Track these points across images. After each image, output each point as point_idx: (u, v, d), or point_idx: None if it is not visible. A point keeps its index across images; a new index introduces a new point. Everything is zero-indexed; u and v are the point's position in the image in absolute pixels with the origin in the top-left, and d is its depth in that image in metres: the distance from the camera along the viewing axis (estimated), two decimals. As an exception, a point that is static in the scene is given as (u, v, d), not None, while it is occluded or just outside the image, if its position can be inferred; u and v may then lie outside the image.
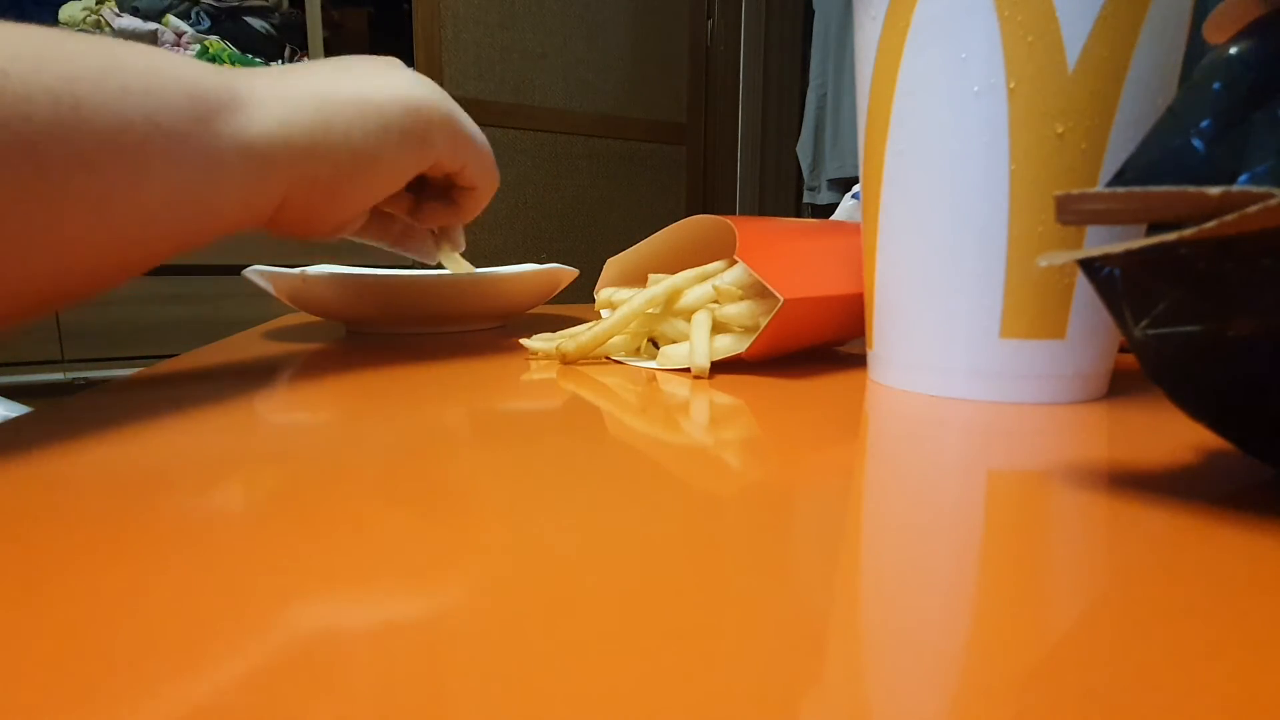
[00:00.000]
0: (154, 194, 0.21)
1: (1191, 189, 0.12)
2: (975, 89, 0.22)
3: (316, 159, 0.25)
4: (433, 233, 0.37)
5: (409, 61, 1.75)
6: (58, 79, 0.19)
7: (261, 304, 1.49)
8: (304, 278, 0.36)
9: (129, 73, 0.20)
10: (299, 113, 0.25)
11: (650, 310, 0.30)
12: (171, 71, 0.21)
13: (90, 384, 1.40)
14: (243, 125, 0.23)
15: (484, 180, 0.32)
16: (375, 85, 0.27)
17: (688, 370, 0.29)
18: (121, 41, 0.21)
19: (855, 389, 0.26)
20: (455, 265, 0.38)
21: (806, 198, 2.17)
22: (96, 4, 1.52)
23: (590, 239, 2.02)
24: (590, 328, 0.31)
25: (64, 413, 0.22)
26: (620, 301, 0.31)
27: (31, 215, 0.19)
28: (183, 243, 0.23)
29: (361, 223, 0.31)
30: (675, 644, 0.09)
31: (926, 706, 0.08)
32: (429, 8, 1.71)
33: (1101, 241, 0.23)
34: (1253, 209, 0.11)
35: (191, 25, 1.61)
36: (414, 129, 0.28)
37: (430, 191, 0.34)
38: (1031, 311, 0.23)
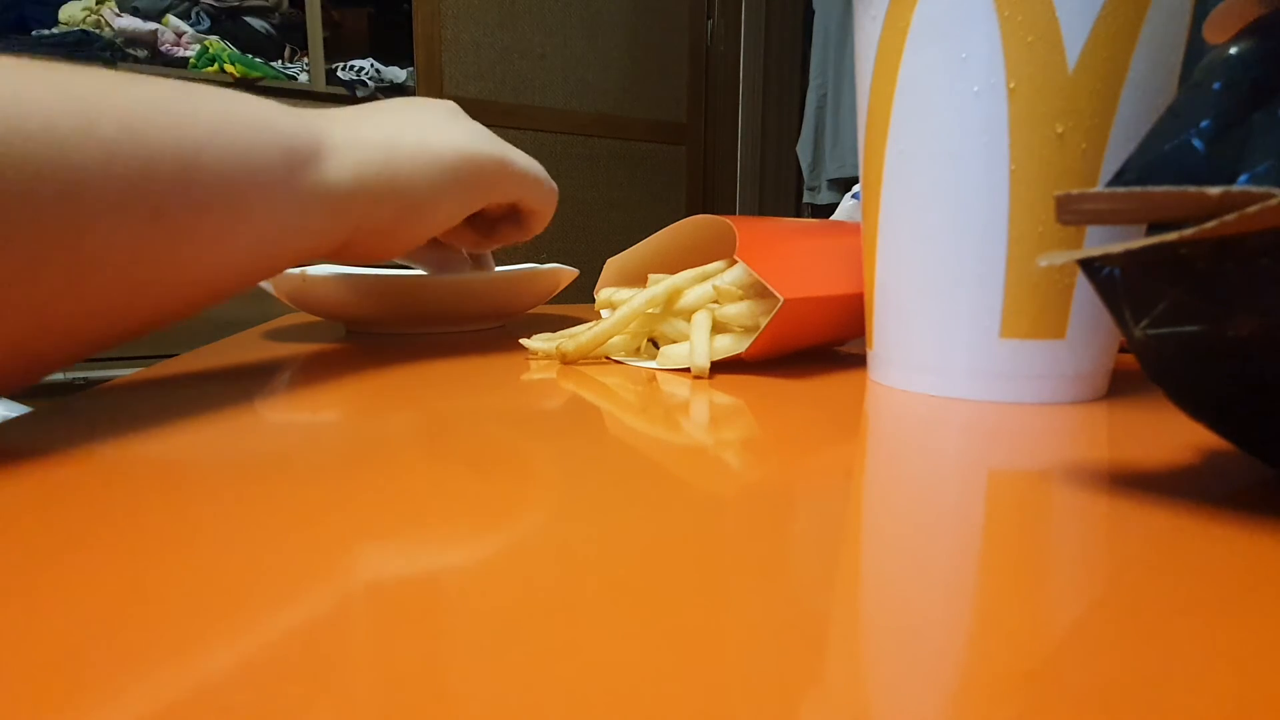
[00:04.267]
0: (250, 236, 0.24)
1: (1191, 189, 0.12)
2: (975, 89, 0.22)
3: (381, 204, 0.29)
4: (469, 258, 0.41)
5: (408, 62, 1.75)
6: (178, 138, 0.21)
7: (261, 304, 1.49)
8: (304, 278, 0.36)
9: (237, 129, 0.23)
10: (370, 162, 0.28)
11: (650, 310, 0.30)
12: (270, 125, 0.24)
13: (90, 384, 1.40)
14: (323, 174, 0.26)
15: (541, 204, 0.37)
16: (436, 136, 0.30)
17: (688, 370, 0.29)
18: (230, 94, 0.24)
19: (855, 389, 0.26)
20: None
21: (806, 198, 2.17)
22: (97, 4, 1.52)
23: (590, 239, 2.02)
24: (590, 328, 0.31)
25: (64, 413, 0.22)
26: (620, 301, 0.31)
27: (149, 257, 0.21)
28: (264, 274, 0.26)
29: (411, 252, 0.35)
30: (675, 643, 0.09)
31: (927, 706, 0.08)
32: (429, 8, 1.71)
33: (1101, 241, 0.23)
34: (1253, 209, 0.11)
35: (191, 25, 1.61)
36: (468, 177, 0.31)
37: (499, 216, 0.39)
38: (1031, 311, 0.23)
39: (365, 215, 0.28)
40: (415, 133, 0.30)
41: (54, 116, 0.18)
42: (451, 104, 0.33)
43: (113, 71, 0.21)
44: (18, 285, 0.18)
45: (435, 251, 0.39)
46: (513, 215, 0.38)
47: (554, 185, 0.37)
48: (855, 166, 1.99)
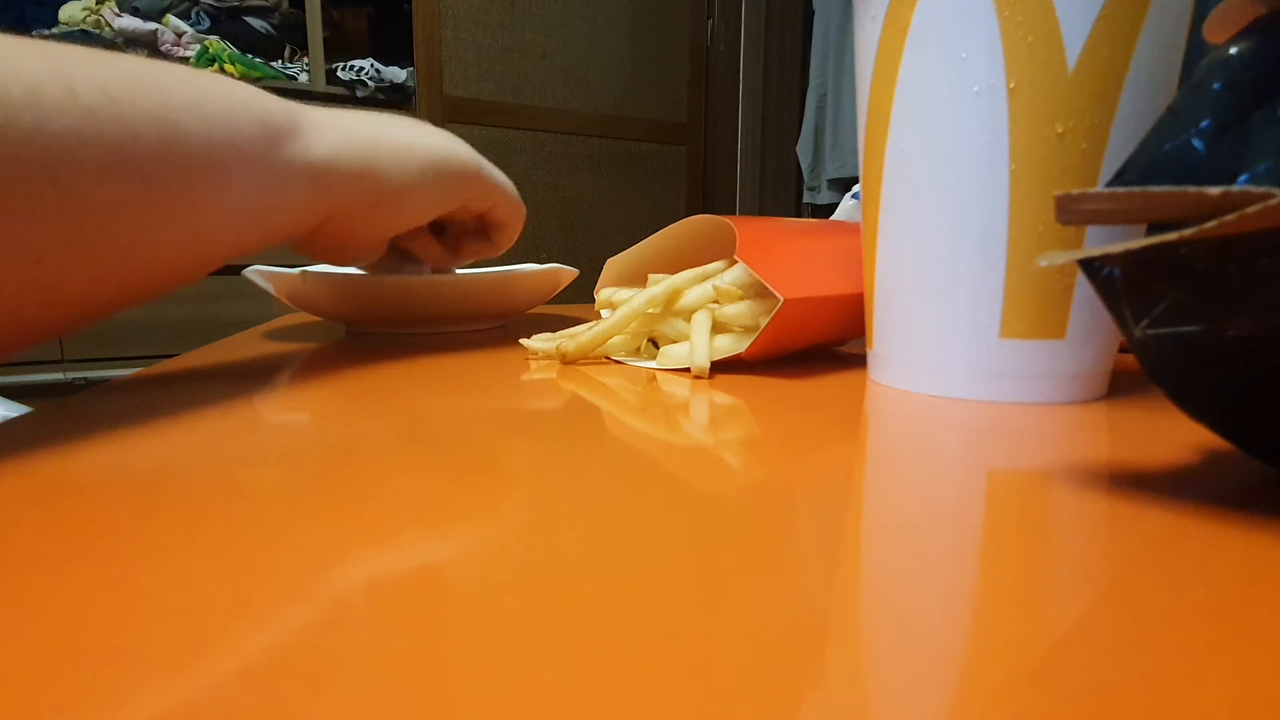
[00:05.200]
0: (231, 206, 0.24)
1: (1191, 189, 0.12)
2: (975, 89, 0.22)
3: (363, 185, 0.29)
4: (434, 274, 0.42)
5: (408, 62, 1.75)
6: (157, 105, 0.21)
7: (261, 304, 1.49)
8: (304, 277, 0.36)
9: (212, 100, 0.23)
10: (351, 145, 0.29)
11: (650, 310, 0.30)
12: (245, 100, 0.25)
13: (90, 384, 1.40)
14: (303, 148, 0.27)
15: (510, 216, 0.38)
16: (417, 136, 0.32)
17: (688, 370, 0.29)
18: (202, 72, 0.25)
19: (855, 389, 0.26)
20: None
21: (806, 198, 2.17)
22: (97, 4, 1.52)
23: (590, 239, 2.02)
24: (590, 328, 0.31)
25: (64, 413, 0.22)
26: (620, 301, 0.31)
27: (135, 223, 0.21)
28: (246, 249, 0.26)
29: (379, 255, 0.35)
30: (675, 644, 0.09)
31: (927, 706, 0.08)
32: (429, 8, 1.71)
33: (1101, 241, 0.23)
34: (1253, 209, 0.11)
35: (191, 25, 1.61)
36: (447, 175, 0.32)
37: (466, 231, 0.39)
38: (1031, 311, 0.23)
39: (345, 193, 0.29)
40: (396, 132, 0.31)
41: (37, 84, 0.19)
42: (424, 121, 0.35)
43: (86, 47, 0.21)
44: (10, 249, 0.19)
45: (400, 264, 0.39)
46: (480, 230, 0.39)
47: (522, 203, 0.38)
48: (855, 166, 1.99)
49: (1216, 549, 0.12)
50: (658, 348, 0.32)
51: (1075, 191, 0.14)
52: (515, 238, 0.40)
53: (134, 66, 0.22)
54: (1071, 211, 0.14)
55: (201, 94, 0.23)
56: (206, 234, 0.24)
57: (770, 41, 2.24)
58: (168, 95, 0.22)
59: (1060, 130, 0.22)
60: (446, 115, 1.74)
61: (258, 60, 1.65)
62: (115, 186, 0.20)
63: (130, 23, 1.53)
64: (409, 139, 0.31)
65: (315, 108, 0.29)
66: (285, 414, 0.22)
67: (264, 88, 0.26)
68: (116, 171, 0.20)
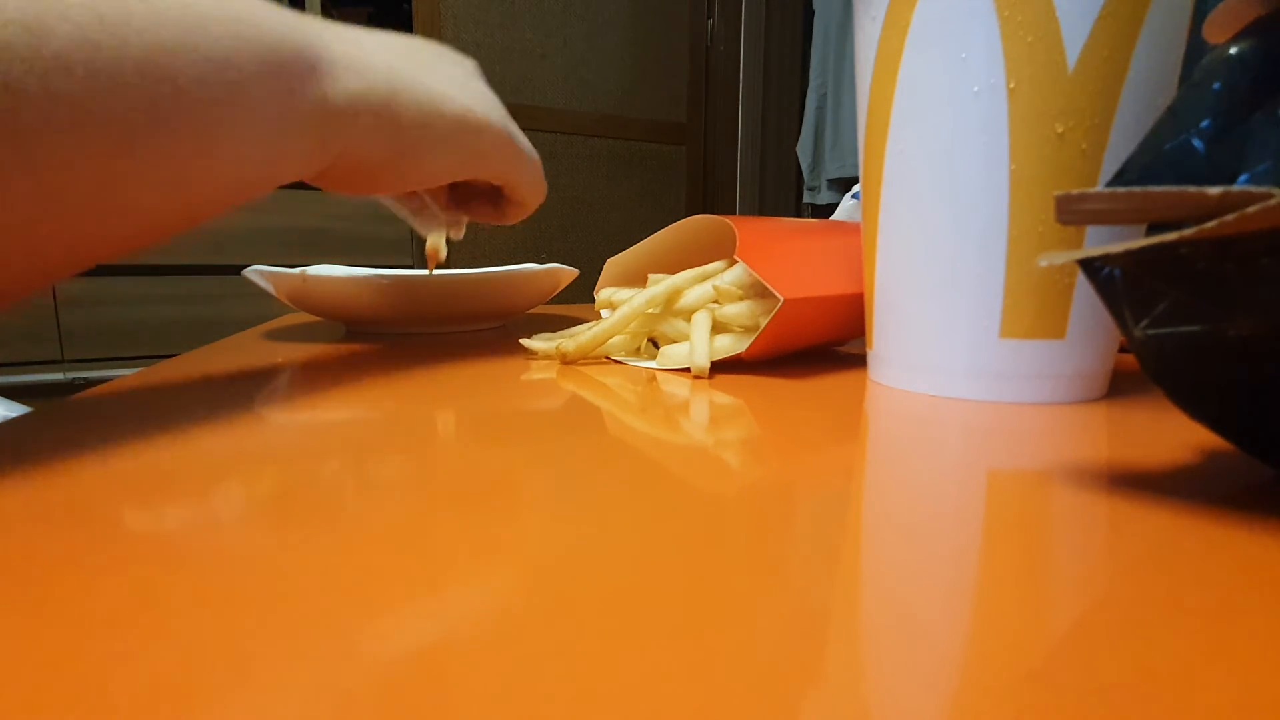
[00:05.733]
0: (227, 158, 0.22)
1: (1191, 189, 0.12)
2: (975, 89, 0.22)
3: (373, 143, 0.26)
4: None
5: (409, 61, 1.75)
6: (146, 49, 0.18)
7: (261, 304, 1.49)
8: (304, 278, 0.36)
9: (215, 38, 0.20)
10: (371, 95, 0.25)
11: (650, 310, 0.30)
12: (253, 34, 0.21)
13: (90, 384, 1.40)
14: (318, 94, 0.24)
15: (530, 195, 0.35)
16: (449, 93, 0.28)
17: (688, 370, 0.29)
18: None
19: (855, 389, 0.26)
20: (436, 238, 0.39)
21: (806, 198, 2.17)
22: (96, 4, 1.51)
23: (590, 239, 2.02)
24: (590, 328, 0.31)
25: (64, 413, 0.22)
26: (620, 301, 0.32)
27: (116, 188, 0.19)
28: (244, 197, 0.24)
29: (394, 195, 0.32)
30: (675, 644, 0.09)
31: (927, 706, 0.08)
32: (429, 8, 1.71)
33: (1101, 241, 0.23)
34: (1253, 209, 0.11)
35: (191, 25, 1.61)
36: (470, 144, 0.29)
37: (480, 193, 0.36)
38: (1031, 311, 0.23)
39: (351, 148, 0.26)
40: (426, 80, 0.28)
41: None
42: (472, 63, 0.32)
43: None
44: None
45: (417, 202, 0.37)
46: (493, 195, 0.36)
47: (544, 183, 0.36)
48: (855, 166, 1.99)
49: (1216, 549, 0.12)
50: (658, 348, 0.32)
51: (1075, 191, 0.14)
52: (528, 214, 0.37)
53: (118, 3, 0.18)
54: (1071, 211, 0.14)
55: (202, 29, 0.20)
56: (198, 191, 0.21)
57: (770, 41, 2.24)
58: (160, 35, 0.19)
59: (1060, 130, 0.22)
60: (446, 115, 1.74)
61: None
62: (93, 147, 0.18)
63: (130, 23, 1.52)
64: (437, 95, 0.28)
65: (341, 34, 0.25)
66: (285, 415, 0.22)
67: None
68: (94, 130, 0.18)
